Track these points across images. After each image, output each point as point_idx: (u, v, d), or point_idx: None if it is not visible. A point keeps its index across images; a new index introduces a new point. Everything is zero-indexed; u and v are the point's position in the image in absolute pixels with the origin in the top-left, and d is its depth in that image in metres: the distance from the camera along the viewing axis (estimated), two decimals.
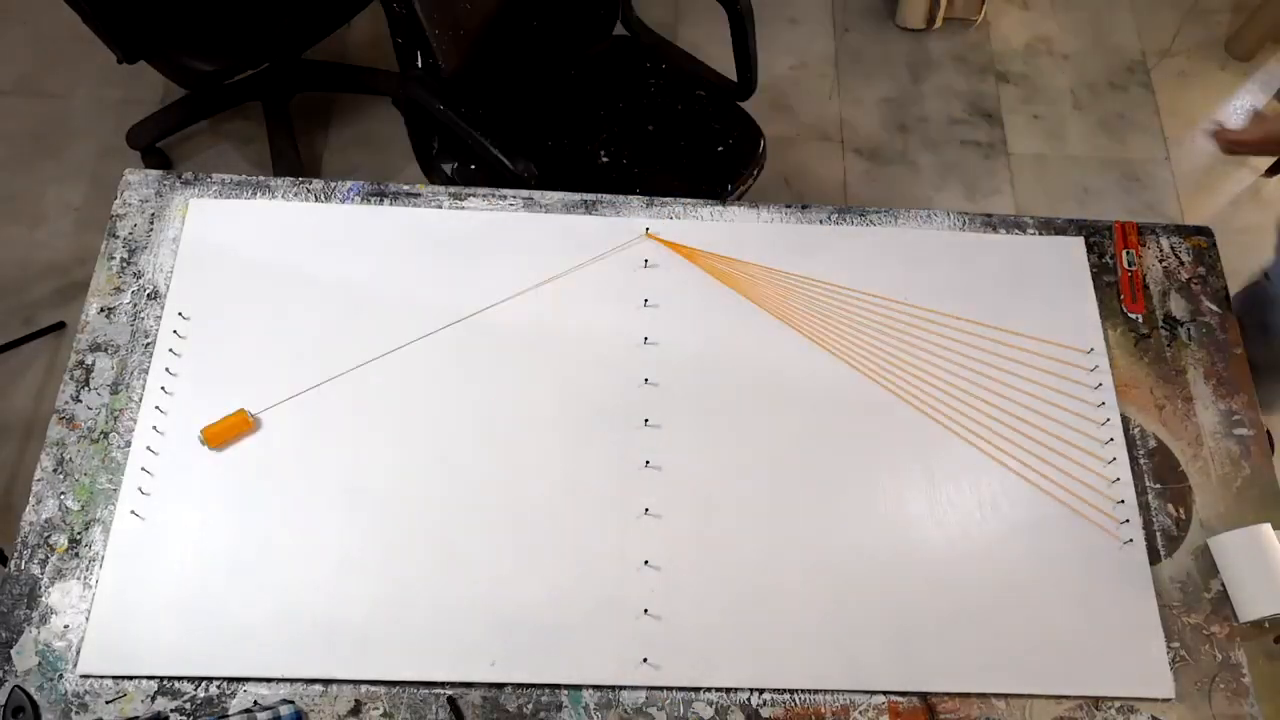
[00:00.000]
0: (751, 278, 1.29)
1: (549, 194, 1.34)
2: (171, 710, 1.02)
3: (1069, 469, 1.19)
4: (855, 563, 1.13)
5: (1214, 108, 2.65)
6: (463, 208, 1.32)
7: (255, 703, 1.02)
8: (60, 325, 2.10)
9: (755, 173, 1.71)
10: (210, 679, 1.03)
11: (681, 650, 1.07)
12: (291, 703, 1.01)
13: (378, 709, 1.03)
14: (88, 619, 1.05)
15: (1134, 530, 1.16)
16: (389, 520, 1.12)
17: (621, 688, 1.06)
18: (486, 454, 1.16)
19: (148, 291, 1.24)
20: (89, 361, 1.19)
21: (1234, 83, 2.70)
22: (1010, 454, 1.20)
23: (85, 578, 1.07)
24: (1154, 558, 1.16)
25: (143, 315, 1.22)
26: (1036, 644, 1.10)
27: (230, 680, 1.03)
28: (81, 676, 1.03)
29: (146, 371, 1.18)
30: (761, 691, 1.06)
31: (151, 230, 1.28)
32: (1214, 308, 1.32)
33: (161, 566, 1.08)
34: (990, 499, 1.17)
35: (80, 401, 1.16)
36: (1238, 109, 2.66)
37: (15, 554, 1.08)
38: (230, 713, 1.01)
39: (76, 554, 1.08)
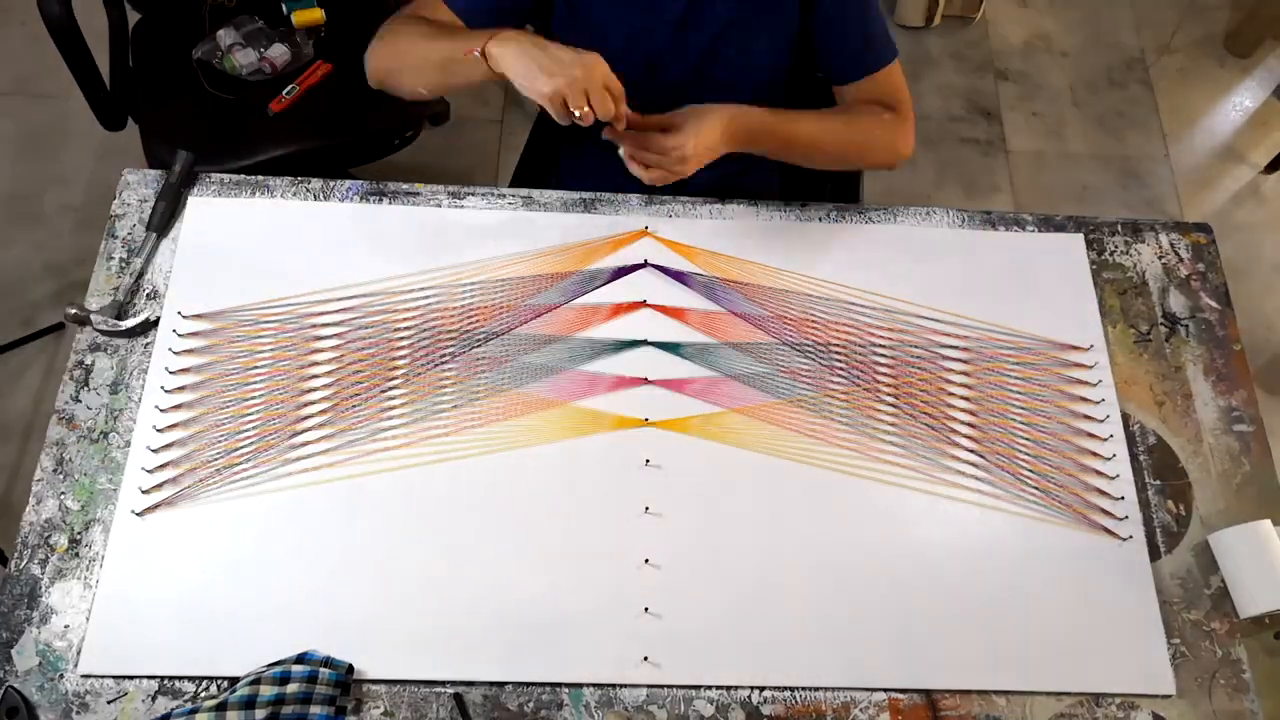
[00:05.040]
0: (750, 276, 1.29)
1: (548, 192, 1.34)
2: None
3: (1069, 466, 1.19)
4: (856, 559, 1.13)
5: (1214, 104, 2.65)
6: (462, 206, 1.32)
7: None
8: (60, 325, 2.10)
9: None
10: (211, 678, 1.03)
11: (682, 648, 1.07)
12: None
13: (378, 708, 1.03)
14: (88, 619, 1.05)
15: (1134, 527, 1.16)
16: (389, 518, 1.12)
17: (622, 686, 1.05)
18: (486, 452, 1.16)
19: (147, 291, 1.23)
20: (88, 361, 1.19)
21: (1233, 80, 2.70)
22: (1010, 451, 1.20)
23: (85, 578, 1.07)
24: (1154, 554, 1.16)
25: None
26: (1037, 641, 1.10)
27: (231, 680, 1.03)
28: (82, 676, 1.03)
29: (146, 371, 1.18)
30: (762, 689, 1.06)
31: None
32: (1214, 304, 1.32)
33: (162, 566, 1.08)
34: (991, 496, 1.17)
35: (80, 401, 1.16)
36: (1237, 106, 2.66)
37: (15, 554, 1.08)
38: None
39: (77, 554, 1.08)
